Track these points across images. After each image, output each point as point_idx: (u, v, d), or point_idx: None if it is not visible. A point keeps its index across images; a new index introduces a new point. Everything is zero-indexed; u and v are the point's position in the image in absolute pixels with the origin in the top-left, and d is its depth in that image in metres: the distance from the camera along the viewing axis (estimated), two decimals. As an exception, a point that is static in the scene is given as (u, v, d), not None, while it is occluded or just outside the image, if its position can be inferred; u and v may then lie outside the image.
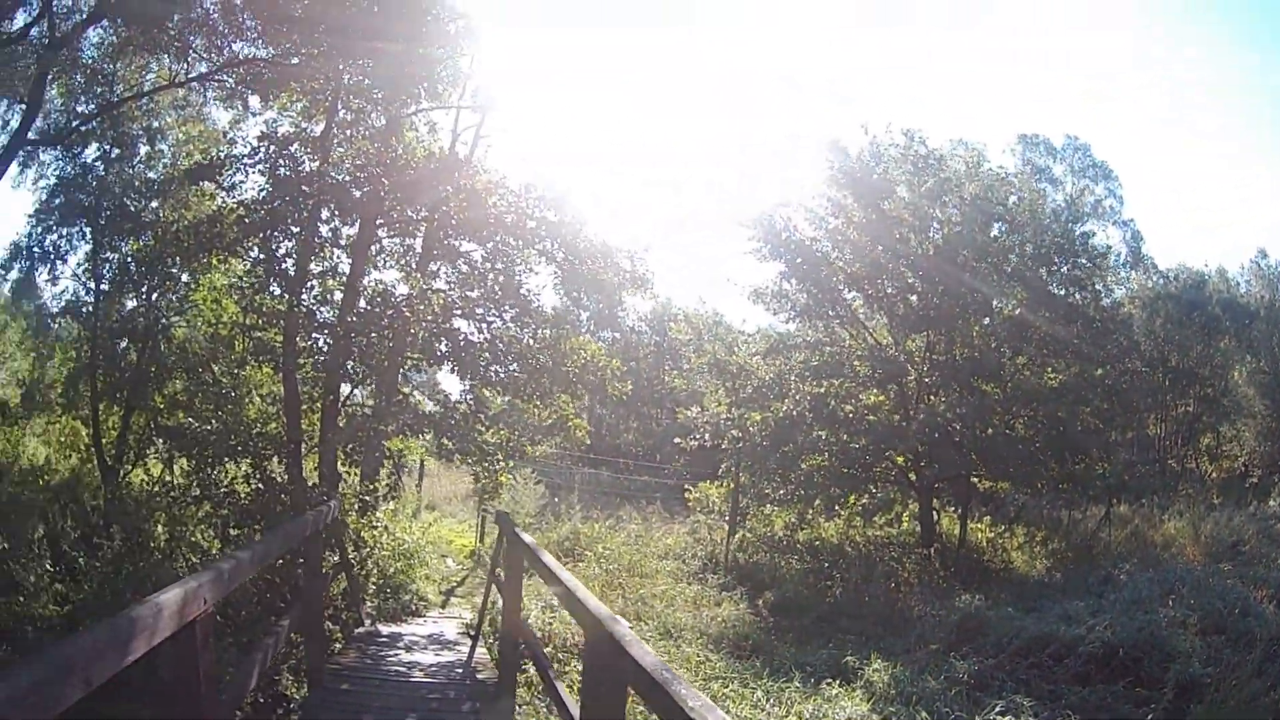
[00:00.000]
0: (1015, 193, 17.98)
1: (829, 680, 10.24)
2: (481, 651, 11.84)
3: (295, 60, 18.49)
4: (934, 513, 17.57)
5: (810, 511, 18.74)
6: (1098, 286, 19.67)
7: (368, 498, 15.70)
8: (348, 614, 12.70)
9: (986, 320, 17.41)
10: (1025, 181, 18.48)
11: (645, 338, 35.60)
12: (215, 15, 18.81)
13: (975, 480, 17.79)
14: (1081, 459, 17.18)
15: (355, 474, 17.18)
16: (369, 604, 14.20)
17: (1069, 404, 16.82)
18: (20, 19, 19.61)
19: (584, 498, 22.82)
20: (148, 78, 21.76)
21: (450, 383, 17.67)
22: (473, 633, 12.69)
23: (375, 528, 15.93)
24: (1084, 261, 18.34)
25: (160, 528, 17.48)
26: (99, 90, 21.42)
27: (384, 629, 13.45)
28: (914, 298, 17.78)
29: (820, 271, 17.99)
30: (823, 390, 18.81)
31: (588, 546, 17.35)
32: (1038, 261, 17.64)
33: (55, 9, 18.97)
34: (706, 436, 19.51)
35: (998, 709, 9.03)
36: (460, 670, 10.48)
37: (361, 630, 12.71)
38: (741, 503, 19.56)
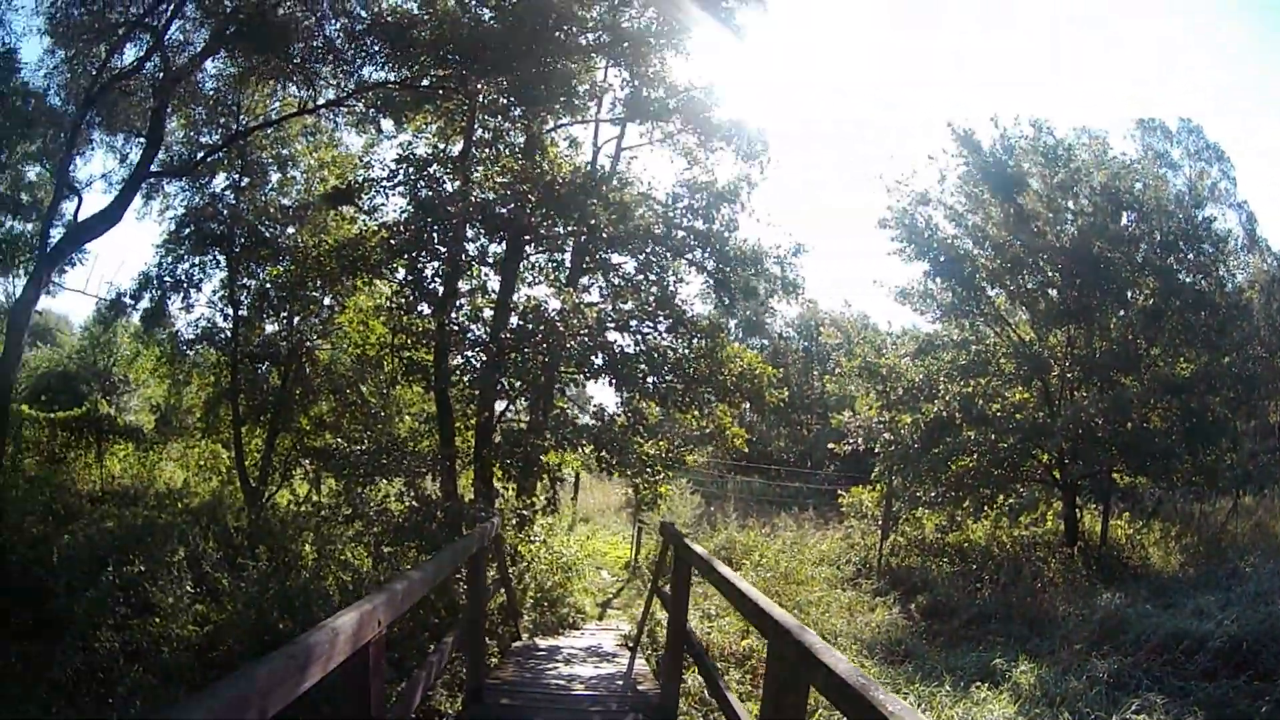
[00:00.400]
0: (1140, 179, 18.62)
1: (978, 684, 10.45)
2: (641, 663, 11.92)
3: (426, 82, 19.09)
4: (1077, 510, 18.10)
5: (959, 513, 18.62)
6: (1221, 272, 19.66)
7: (525, 512, 15.88)
8: (505, 628, 13.13)
9: (1122, 312, 17.75)
10: (1148, 168, 18.18)
11: (793, 343, 38.93)
12: (341, 42, 19.46)
13: (1115, 476, 18.09)
14: (1212, 450, 17.26)
15: (512, 489, 17.17)
16: (526, 618, 14.55)
17: (1200, 394, 16.95)
18: (130, 52, 19.92)
19: (739, 506, 22.57)
20: (273, 106, 22.04)
21: (604, 395, 15.35)
22: (631, 644, 13.11)
23: (532, 542, 16.22)
24: (1208, 248, 18.30)
25: (308, 547, 17.62)
26: (222, 120, 21.59)
27: (541, 642, 13.79)
28: (1054, 292, 17.91)
29: (963, 269, 17.88)
30: (970, 390, 18.44)
31: (744, 555, 17.69)
32: (1166, 249, 17.87)
33: (167, 42, 19.67)
34: (859, 441, 18.99)
35: (1134, 708, 9.30)
36: (620, 682, 10.53)
37: (519, 644, 13.07)
38: (894, 506, 19.39)
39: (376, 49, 19.93)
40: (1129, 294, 18.59)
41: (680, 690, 9.10)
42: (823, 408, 27.08)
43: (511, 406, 18.28)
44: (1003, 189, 18.57)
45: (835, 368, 21.68)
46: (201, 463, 22.67)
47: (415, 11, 19.12)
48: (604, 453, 16.88)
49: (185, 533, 16.39)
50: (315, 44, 20.12)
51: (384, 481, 18.16)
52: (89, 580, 15.36)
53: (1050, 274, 17.95)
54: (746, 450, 21.34)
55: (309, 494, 20.82)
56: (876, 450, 18.77)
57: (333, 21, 20.45)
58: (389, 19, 18.89)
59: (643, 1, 17.22)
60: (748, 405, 17.73)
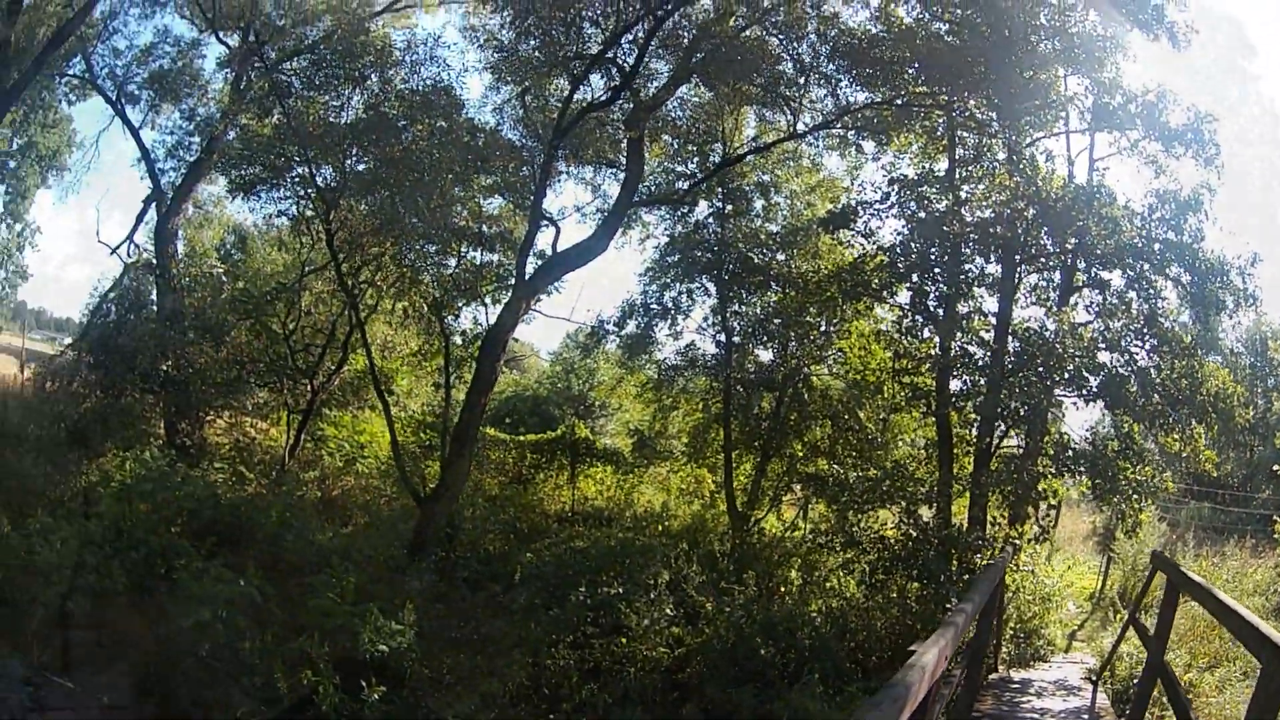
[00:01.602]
0: None
1: None
2: (1102, 697, 11.65)
3: (899, 101, 18.73)
4: None
5: None
6: None
7: (1016, 541, 15.47)
8: (985, 660, 12.26)
9: None
10: None
11: (1241, 359, 32.28)
12: (810, 63, 19.35)
13: None
14: None
15: (1003, 517, 16.85)
16: (1003, 649, 14.23)
17: None
18: (597, 81, 21.13)
19: (1197, 534, 22.02)
20: (746, 133, 22.15)
21: (1076, 419, 17.10)
22: (1094, 678, 12.69)
23: (1019, 571, 15.71)
24: None
25: (793, 573, 17.69)
26: (694, 148, 22.06)
27: (1015, 675, 13.56)
28: None
29: None
30: None
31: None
32: None
33: (632, 72, 20.11)
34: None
35: None
36: (1086, 717, 10.20)
37: (995, 676, 12.91)
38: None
39: (846, 70, 19.13)
40: None
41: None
42: (1264, 428, 24.73)
43: (1007, 432, 17.41)
44: None
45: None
46: (683, 487, 23.34)
47: (874, 30, 19.07)
48: (1097, 480, 15.82)
49: (667, 555, 16.87)
50: (782, 68, 19.66)
51: (879, 509, 17.28)
52: (552, 598, 15.47)
53: None
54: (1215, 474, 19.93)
55: (795, 519, 20.86)
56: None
57: (799, 45, 19.51)
58: (851, 40, 18.84)
59: (1084, 4, 17.01)
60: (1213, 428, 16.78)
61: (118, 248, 26.20)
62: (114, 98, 25.82)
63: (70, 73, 25.56)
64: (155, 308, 24.29)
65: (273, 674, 12.35)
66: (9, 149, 27.04)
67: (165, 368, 21.20)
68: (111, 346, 21.73)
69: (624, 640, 13.74)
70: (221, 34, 25.23)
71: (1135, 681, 11.18)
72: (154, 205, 24.33)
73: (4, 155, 26.87)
